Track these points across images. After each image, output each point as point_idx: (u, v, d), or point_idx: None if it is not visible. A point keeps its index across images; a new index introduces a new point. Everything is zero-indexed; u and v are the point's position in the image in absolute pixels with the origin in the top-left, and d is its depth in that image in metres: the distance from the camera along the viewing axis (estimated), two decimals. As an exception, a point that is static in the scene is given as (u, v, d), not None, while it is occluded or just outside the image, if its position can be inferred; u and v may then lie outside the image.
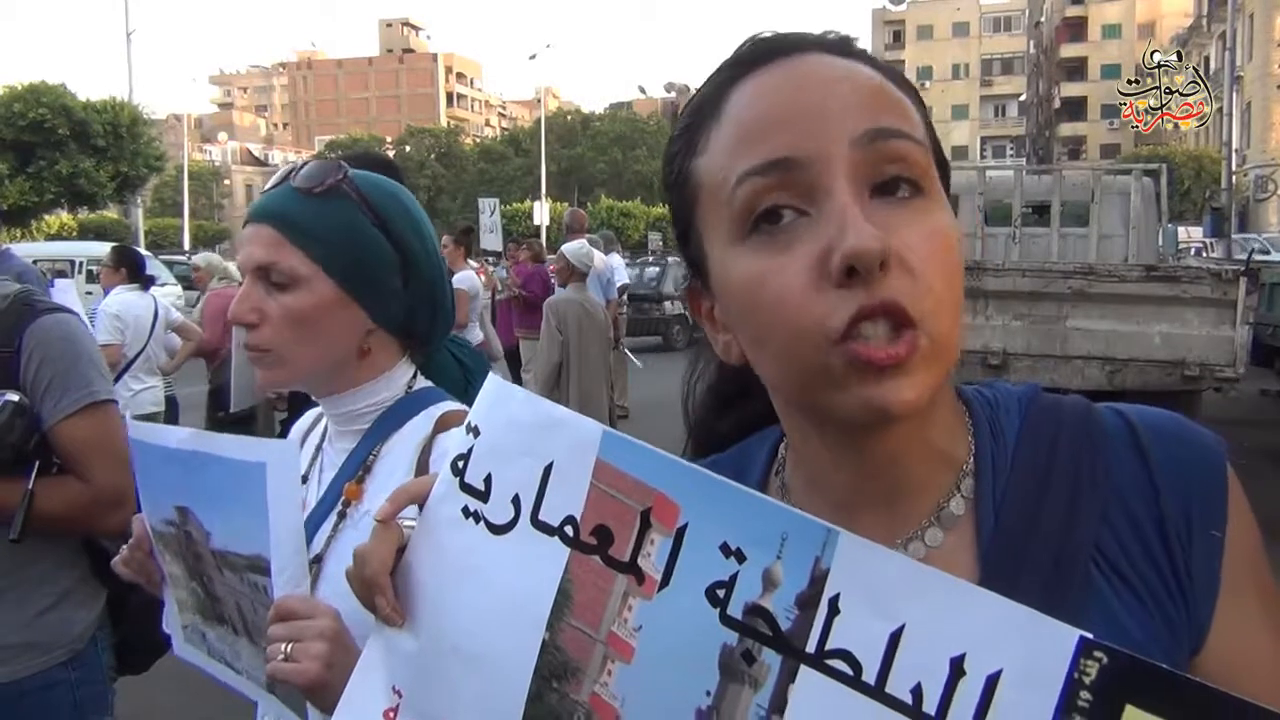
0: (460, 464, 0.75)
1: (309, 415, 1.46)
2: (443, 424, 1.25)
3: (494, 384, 0.77)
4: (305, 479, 1.30)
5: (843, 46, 0.72)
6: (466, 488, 0.74)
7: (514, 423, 0.73)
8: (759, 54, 0.71)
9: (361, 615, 0.99)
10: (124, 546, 1.32)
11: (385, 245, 1.26)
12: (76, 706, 1.90)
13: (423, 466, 1.22)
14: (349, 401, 1.30)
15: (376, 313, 1.28)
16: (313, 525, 1.23)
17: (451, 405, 1.30)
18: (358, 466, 1.27)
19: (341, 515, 1.25)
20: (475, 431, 0.75)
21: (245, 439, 1.13)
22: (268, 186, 1.29)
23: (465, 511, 0.74)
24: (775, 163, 0.65)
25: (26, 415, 1.76)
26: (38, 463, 1.78)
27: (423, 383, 1.35)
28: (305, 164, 1.27)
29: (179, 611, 1.31)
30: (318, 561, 1.20)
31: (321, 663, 0.98)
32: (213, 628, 1.25)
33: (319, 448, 1.35)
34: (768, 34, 0.73)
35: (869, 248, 0.61)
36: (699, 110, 0.73)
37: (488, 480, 0.73)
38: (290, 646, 0.99)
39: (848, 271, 0.61)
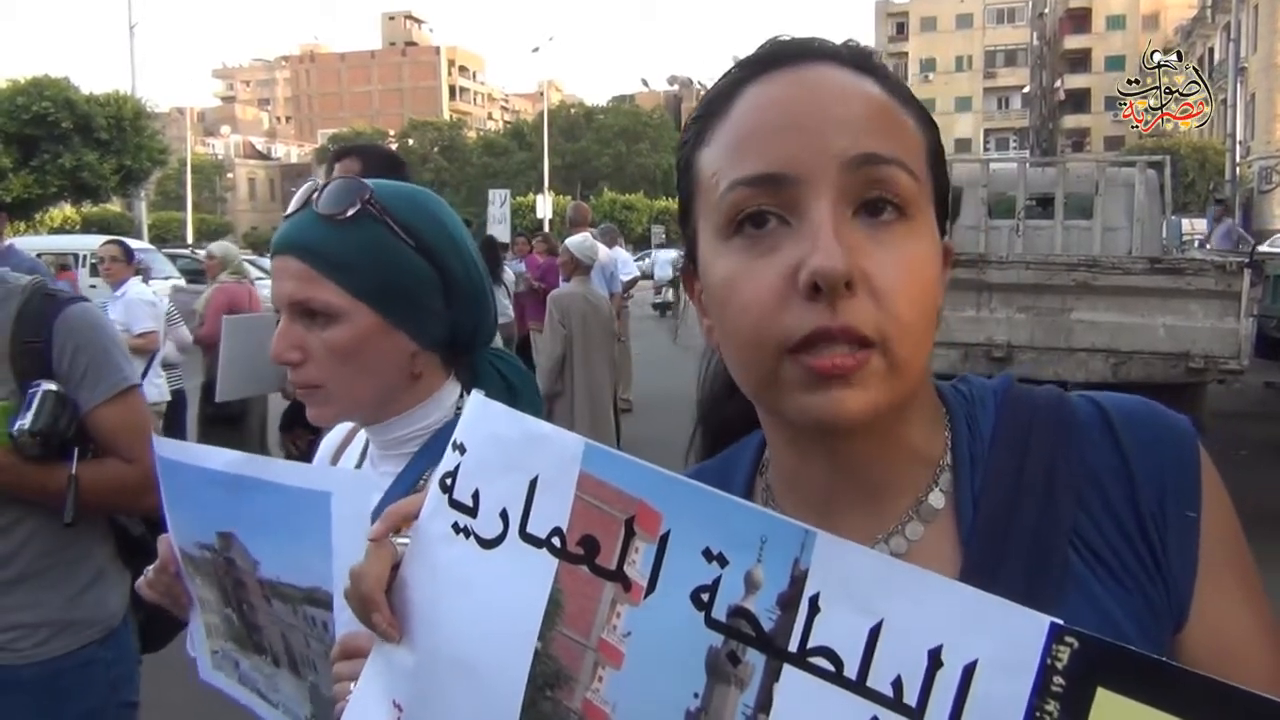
0: (448, 481, 0.77)
1: (337, 432, 1.43)
2: None
3: (477, 401, 0.78)
4: None
5: (857, 60, 0.73)
6: (455, 504, 0.76)
7: (498, 439, 0.75)
8: (773, 58, 0.73)
9: None
10: (148, 569, 1.29)
11: (422, 265, 1.21)
12: (110, 685, 1.94)
13: None
14: (398, 426, 1.26)
15: (420, 335, 1.23)
16: None
17: None
18: (408, 490, 1.23)
19: None
20: (461, 449, 0.77)
21: (307, 466, 1.09)
22: (289, 211, 1.23)
23: (455, 527, 0.76)
24: (764, 177, 0.68)
25: (64, 401, 1.80)
26: (76, 449, 1.83)
27: None
28: (326, 186, 1.20)
29: (207, 636, 1.28)
30: None
31: None
32: (248, 656, 1.22)
33: (359, 469, 1.32)
34: (786, 38, 0.75)
35: (834, 268, 0.63)
36: (711, 104, 0.75)
37: (475, 496, 0.75)
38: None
39: (813, 288, 0.64)
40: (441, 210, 1.27)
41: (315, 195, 1.20)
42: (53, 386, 1.78)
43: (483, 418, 0.77)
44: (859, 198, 0.67)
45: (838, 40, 0.76)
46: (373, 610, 0.78)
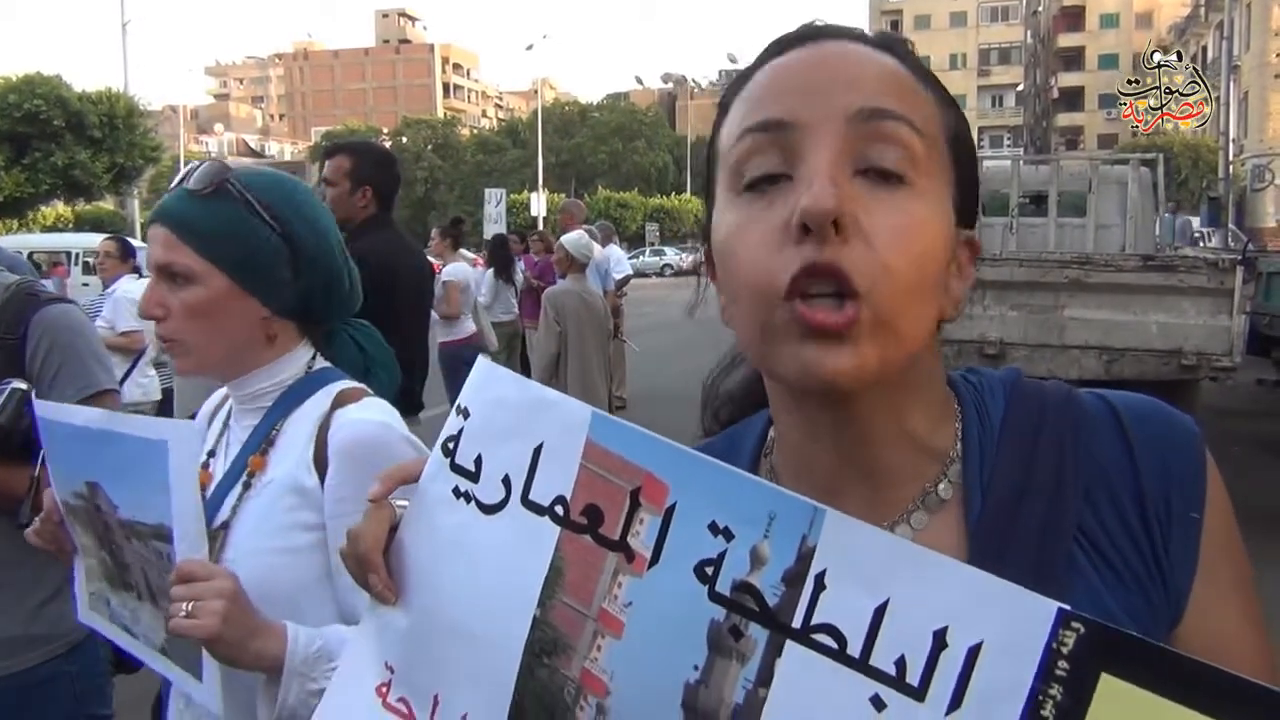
0: (450, 445, 0.77)
1: (217, 395, 1.56)
2: (340, 400, 1.35)
3: (483, 366, 0.78)
4: (213, 454, 1.43)
5: (883, 41, 0.75)
6: (457, 468, 0.76)
7: (503, 404, 0.75)
8: (800, 36, 0.75)
9: (260, 579, 1.15)
10: (36, 519, 1.42)
11: (272, 238, 1.35)
12: (76, 699, 1.89)
13: (321, 440, 1.32)
14: (253, 382, 1.40)
15: (270, 301, 1.37)
16: (220, 494, 1.34)
17: (348, 384, 1.40)
18: (261, 440, 1.37)
19: (247, 485, 1.34)
20: (465, 413, 0.77)
21: (150, 419, 1.25)
22: (171, 187, 1.38)
23: (456, 491, 0.76)
24: (769, 122, 0.69)
25: (32, 403, 1.75)
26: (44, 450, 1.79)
27: (322, 363, 1.44)
28: (199, 166, 1.37)
29: (87, 580, 1.41)
30: (225, 528, 1.30)
31: (219, 618, 1.09)
32: (118, 594, 1.36)
33: (226, 424, 1.46)
34: (820, 23, 0.77)
35: (822, 206, 0.63)
36: (739, 80, 0.76)
37: (478, 461, 0.75)
38: (191, 605, 1.11)
39: (803, 229, 0.64)
40: (301, 193, 1.42)
41: (188, 175, 1.36)
42: (21, 385, 1.75)
43: (488, 382, 0.77)
44: (863, 158, 0.67)
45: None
46: (369, 571, 0.78)
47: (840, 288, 0.64)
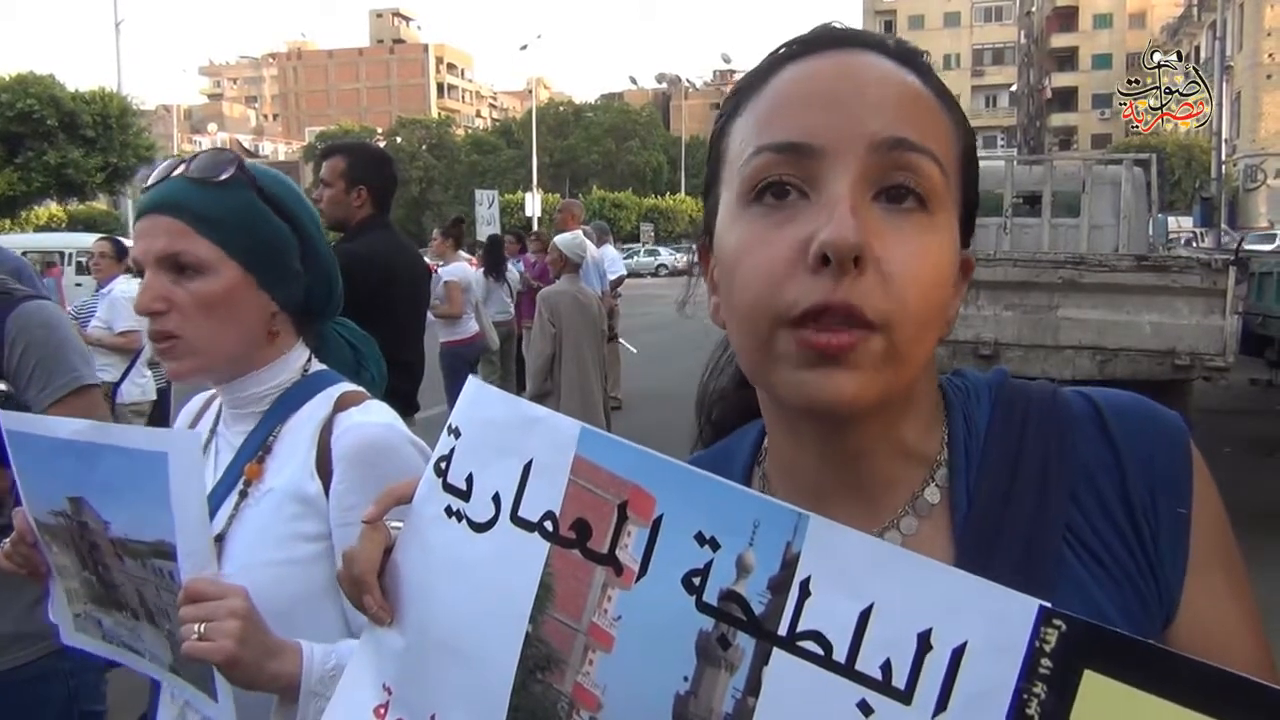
0: (442, 465, 0.78)
1: (196, 400, 1.49)
2: (341, 404, 1.30)
3: (473, 386, 0.79)
4: None
5: (903, 54, 0.73)
6: (449, 488, 0.77)
7: (493, 423, 0.75)
8: (820, 40, 0.73)
9: (259, 593, 1.07)
10: (5, 541, 1.32)
11: (284, 229, 1.31)
12: (70, 697, 1.88)
13: (323, 445, 1.27)
14: (249, 385, 1.33)
15: (280, 294, 1.32)
16: (213, 506, 1.25)
17: (347, 386, 1.35)
18: (258, 447, 1.31)
19: (243, 494, 1.28)
20: (456, 433, 0.78)
21: (147, 430, 1.17)
22: (153, 180, 1.30)
23: (448, 511, 0.76)
24: (791, 145, 0.67)
25: (12, 402, 1.74)
26: None
27: (317, 365, 1.39)
28: (195, 156, 1.31)
29: (69, 602, 1.33)
30: (220, 540, 1.23)
31: (235, 639, 1.02)
32: (109, 614, 1.28)
33: (213, 431, 1.38)
34: (839, 25, 0.75)
35: (845, 240, 0.62)
36: (753, 77, 0.75)
37: (469, 480, 0.75)
38: (203, 626, 1.03)
39: (823, 259, 0.63)
40: (298, 187, 1.38)
41: (182, 165, 1.30)
42: (1, 386, 1.74)
43: (478, 402, 0.78)
44: (883, 181, 0.67)
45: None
46: (364, 593, 0.79)
47: (853, 321, 0.64)
